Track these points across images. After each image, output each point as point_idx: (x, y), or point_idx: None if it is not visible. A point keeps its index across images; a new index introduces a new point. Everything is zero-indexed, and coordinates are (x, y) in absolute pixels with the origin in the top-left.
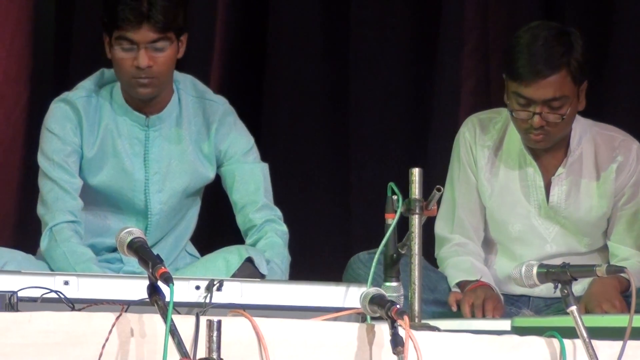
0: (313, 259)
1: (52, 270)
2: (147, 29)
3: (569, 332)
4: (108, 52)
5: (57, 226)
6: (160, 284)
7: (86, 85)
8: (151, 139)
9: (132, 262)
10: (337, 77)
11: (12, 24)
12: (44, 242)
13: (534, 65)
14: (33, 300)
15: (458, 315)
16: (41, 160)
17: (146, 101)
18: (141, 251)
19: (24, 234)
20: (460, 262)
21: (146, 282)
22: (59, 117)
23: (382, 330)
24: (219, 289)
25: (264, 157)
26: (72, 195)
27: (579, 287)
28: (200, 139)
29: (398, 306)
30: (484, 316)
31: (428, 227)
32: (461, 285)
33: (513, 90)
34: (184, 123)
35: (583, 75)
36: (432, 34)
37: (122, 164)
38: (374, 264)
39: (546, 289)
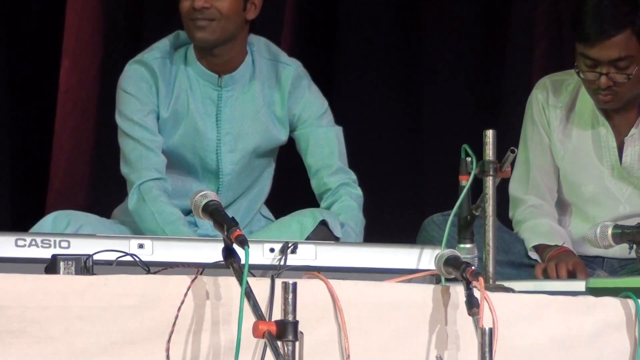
0: (387, 222)
1: (139, 230)
2: None
3: None
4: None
5: (144, 184)
6: (235, 246)
7: (161, 46)
8: (224, 99)
9: (206, 225)
10: (408, 39)
11: None
12: (131, 201)
13: (599, 25)
14: (108, 263)
15: (532, 276)
16: (120, 121)
17: (217, 57)
18: (216, 214)
19: (99, 197)
20: (538, 224)
21: (221, 245)
22: (135, 78)
23: (457, 291)
24: (293, 252)
25: (338, 121)
26: (156, 152)
27: None
28: (273, 101)
29: (473, 267)
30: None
31: (502, 189)
32: (539, 248)
33: (580, 51)
34: (257, 84)
35: None
36: None
37: (194, 123)
38: (448, 225)
39: (620, 250)
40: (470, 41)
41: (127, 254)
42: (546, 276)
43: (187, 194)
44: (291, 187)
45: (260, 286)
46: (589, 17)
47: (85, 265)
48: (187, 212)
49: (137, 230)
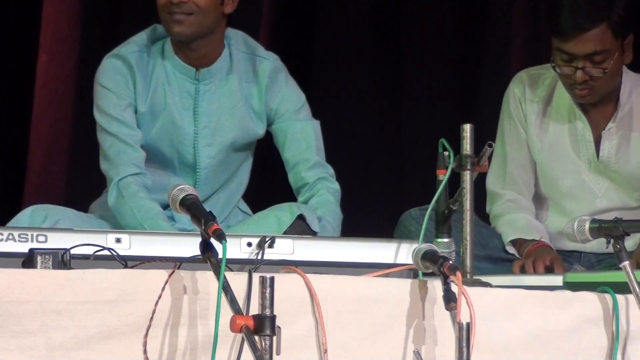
0: (364, 216)
1: (119, 225)
2: None
3: (622, 288)
4: None
5: (122, 180)
6: (212, 241)
7: (138, 40)
8: (201, 93)
9: (183, 219)
10: (387, 33)
11: None
12: (111, 198)
13: (575, 19)
14: (86, 257)
15: (509, 271)
16: (98, 116)
17: (192, 52)
18: (194, 208)
19: (76, 190)
20: (516, 219)
21: (198, 239)
22: (112, 72)
23: (435, 286)
24: (270, 246)
25: (315, 115)
26: (134, 147)
27: (630, 242)
28: (251, 95)
29: (450, 262)
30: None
31: (479, 183)
32: (517, 243)
33: (556, 45)
34: (234, 78)
35: (626, 28)
36: None
37: (172, 117)
38: (425, 220)
39: (597, 245)
40: (448, 35)
41: (104, 248)
42: (524, 272)
43: (164, 188)
44: (268, 182)
45: (237, 280)
46: (565, 11)
47: (63, 260)
48: (166, 206)
49: (115, 224)
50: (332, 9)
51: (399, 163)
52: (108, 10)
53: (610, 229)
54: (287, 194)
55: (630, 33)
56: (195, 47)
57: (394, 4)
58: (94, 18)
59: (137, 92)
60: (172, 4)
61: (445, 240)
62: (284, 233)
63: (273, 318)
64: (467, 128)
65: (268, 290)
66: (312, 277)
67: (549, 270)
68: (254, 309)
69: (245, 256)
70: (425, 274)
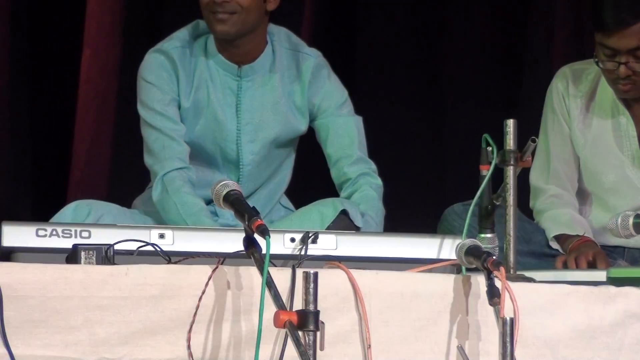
0: (408, 212)
1: (163, 221)
2: None
3: None
4: None
5: (167, 175)
6: (256, 236)
7: (180, 35)
8: (244, 89)
9: (226, 214)
10: (430, 29)
11: None
12: (155, 192)
13: (618, 14)
14: (129, 253)
15: (553, 266)
16: (142, 111)
17: (235, 49)
18: (237, 204)
19: (119, 186)
20: (559, 214)
21: (242, 235)
22: (155, 66)
23: (478, 281)
24: (314, 241)
25: (358, 110)
26: (179, 142)
27: None
28: (293, 91)
29: (494, 257)
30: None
31: (523, 178)
32: (560, 238)
33: (599, 40)
34: (277, 74)
35: None
36: None
37: (215, 114)
38: (468, 215)
39: None
40: (491, 30)
41: (148, 244)
42: (566, 268)
43: (208, 184)
44: (311, 177)
45: (281, 276)
46: (608, 6)
47: (106, 255)
48: (208, 202)
49: (159, 220)
50: (374, 4)
51: (442, 158)
52: (150, 5)
53: None
54: (329, 190)
55: None
56: (238, 44)
57: (436, 1)
58: (136, 13)
59: (180, 87)
60: (215, 4)
61: (489, 235)
62: (327, 228)
63: (317, 313)
64: (511, 123)
65: (312, 285)
66: (356, 273)
67: (592, 266)
68: (298, 305)
69: (288, 251)
70: (468, 270)
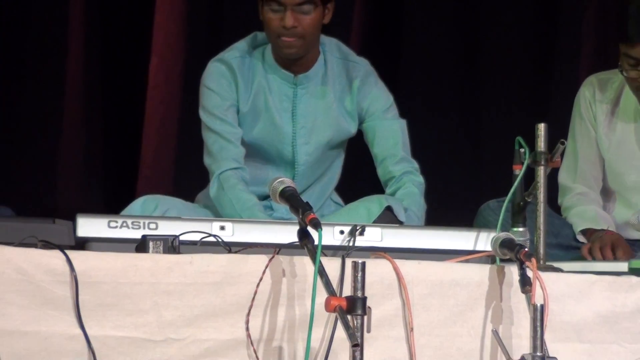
0: (447, 207)
1: (219, 214)
2: None
3: None
4: (260, 13)
5: (223, 174)
6: (309, 229)
7: (240, 46)
8: (299, 96)
9: (281, 208)
10: (467, 41)
11: None
12: (212, 189)
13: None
14: (193, 243)
15: (579, 258)
16: (203, 115)
17: (294, 60)
18: (292, 199)
19: (183, 183)
20: (585, 211)
21: (296, 227)
22: (216, 75)
23: (511, 271)
24: (361, 234)
25: (402, 114)
26: (235, 144)
27: None
28: (344, 96)
29: (526, 249)
30: (615, 259)
31: (552, 177)
32: (587, 232)
33: (623, 51)
34: (329, 81)
35: None
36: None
37: (272, 118)
38: (502, 210)
39: None
40: (523, 42)
41: (210, 235)
42: (592, 256)
43: (265, 181)
44: (359, 175)
45: (331, 265)
46: (632, 18)
47: (172, 245)
48: (264, 198)
49: (218, 213)
50: (417, 18)
51: (479, 158)
52: (212, 17)
53: None
54: (376, 187)
55: None
56: (297, 58)
57: (473, 15)
58: (199, 24)
59: (239, 93)
60: (284, 28)
61: (521, 229)
62: (373, 222)
63: (364, 299)
64: (542, 127)
65: (360, 274)
66: (399, 262)
67: (615, 255)
68: (347, 291)
69: (338, 243)
70: (502, 260)
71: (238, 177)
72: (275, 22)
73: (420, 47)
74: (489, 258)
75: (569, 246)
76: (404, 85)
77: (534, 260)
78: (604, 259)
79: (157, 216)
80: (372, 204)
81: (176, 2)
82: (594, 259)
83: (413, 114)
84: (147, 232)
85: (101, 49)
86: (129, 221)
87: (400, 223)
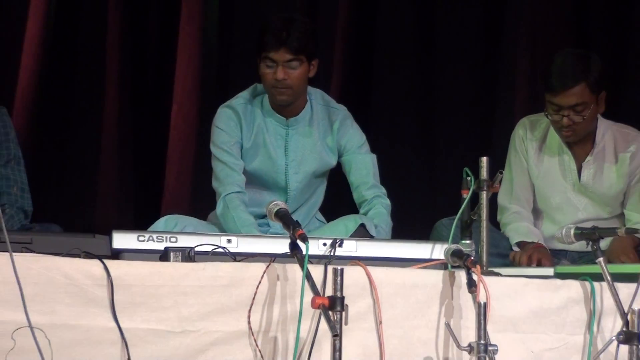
0: (408, 224)
1: (224, 229)
2: (284, 52)
3: (597, 277)
4: (258, 69)
5: (228, 195)
6: (298, 242)
7: (243, 95)
8: (290, 135)
9: (276, 225)
10: (425, 87)
11: (189, 49)
12: (219, 208)
13: (562, 79)
14: (205, 253)
15: (514, 265)
16: (213, 149)
17: (285, 106)
18: (284, 218)
19: (198, 205)
20: (520, 227)
21: (288, 241)
22: (225, 118)
23: (460, 275)
24: (340, 246)
25: (373, 149)
26: (238, 173)
27: (603, 243)
28: (326, 135)
29: (472, 258)
30: (539, 265)
31: (492, 200)
32: (520, 244)
33: (548, 99)
34: (314, 124)
35: (600, 87)
36: (493, 57)
37: (269, 153)
38: (453, 227)
39: (579, 245)
40: (470, 90)
41: (219, 247)
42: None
43: (262, 204)
44: (338, 198)
45: (316, 271)
46: (555, 73)
47: (189, 255)
48: (262, 217)
49: (224, 229)
50: (384, 68)
51: (434, 185)
52: (221, 73)
53: (589, 234)
54: (351, 208)
55: (603, 90)
56: (288, 105)
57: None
58: (210, 78)
59: (242, 133)
60: (276, 81)
61: (468, 242)
62: (350, 236)
63: (342, 298)
64: (484, 160)
65: (339, 278)
66: (371, 269)
67: (539, 265)
68: (329, 292)
69: (321, 253)
70: (453, 267)
71: (240, 199)
72: (269, 76)
73: (386, 95)
74: (442, 265)
75: (506, 255)
76: (373, 125)
77: (478, 266)
78: (528, 265)
79: (176, 232)
80: (349, 222)
81: (192, 61)
82: (519, 265)
83: (381, 149)
84: (169, 244)
85: (132, 94)
86: (154, 236)
87: (371, 237)
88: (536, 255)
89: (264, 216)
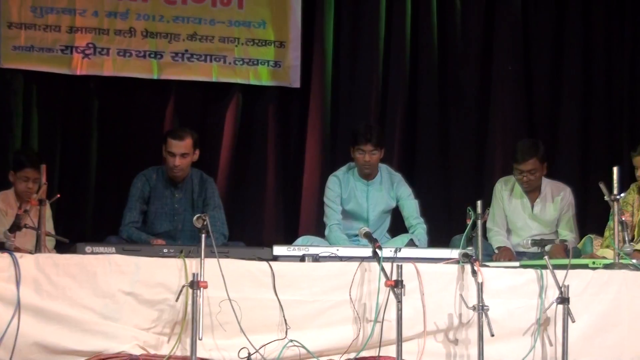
0: (436, 238)
1: (332, 243)
2: (370, 145)
3: (544, 267)
4: (351, 153)
5: (332, 225)
6: (376, 250)
7: (344, 168)
8: (369, 191)
9: (364, 241)
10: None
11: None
12: (327, 232)
13: (523, 155)
14: (324, 257)
15: (496, 260)
16: (326, 200)
17: (367, 175)
18: (368, 236)
19: (319, 230)
20: (498, 239)
21: (370, 249)
22: (333, 182)
23: (467, 268)
24: (399, 251)
25: (416, 196)
26: (338, 213)
27: (546, 248)
28: (389, 190)
29: (473, 257)
30: (509, 261)
31: (484, 225)
32: (499, 249)
33: (515, 167)
34: (383, 183)
35: (544, 160)
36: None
37: (357, 201)
38: (462, 240)
39: (533, 249)
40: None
41: (332, 254)
42: (498, 259)
43: (355, 228)
44: (397, 225)
45: (387, 267)
46: (519, 151)
47: (316, 258)
48: (354, 236)
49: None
50: (423, 148)
51: (449, 216)
52: (332, 155)
53: (539, 243)
54: (403, 229)
55: (545, 161)
56: (370, 173)
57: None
58: (326, 156)
59: (342, 191)
60: (365, 161)
61: (471, 248)
62: (405, 246)
63: (402, 281)
64: (479, 203)
65: (400, 270)
66: (417, 264)
67: (509, 260)
68: (394, 277)
69: (389, 256)
70: (463, 262)
71: (339, 227)
72: (360, 159)
73: (422, 161)
74: (457, 261)
75: (491, 255)
76: (418, 180)
77: (477, 262)
78: (504, 261)
79: (308, 245)
80: (404, 238)
81: (318, 145)
82: (499, 260)
83: (420, 196)
84: (305, 252)
85: (283, 166)
86: (296, 247)
87: (416, 247)
88: (508, 255)
89: (355, 235)
